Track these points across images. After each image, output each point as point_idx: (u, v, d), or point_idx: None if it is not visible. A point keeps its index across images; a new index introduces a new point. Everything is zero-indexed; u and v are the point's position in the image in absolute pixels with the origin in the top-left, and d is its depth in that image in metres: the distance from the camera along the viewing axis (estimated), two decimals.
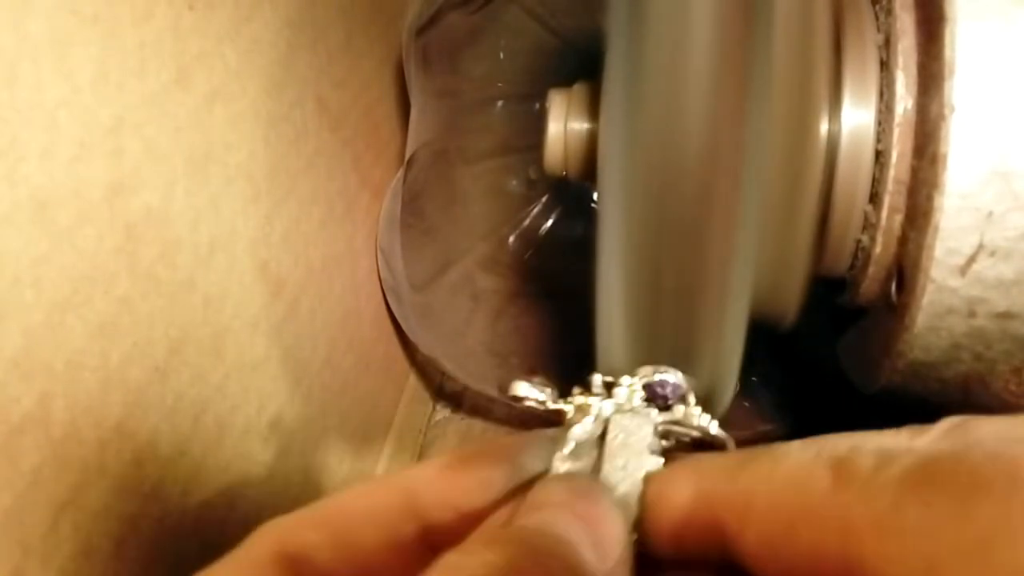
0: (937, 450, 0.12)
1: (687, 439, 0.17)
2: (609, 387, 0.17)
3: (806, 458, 0.13)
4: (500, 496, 0.15)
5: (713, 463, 0.14)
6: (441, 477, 0.16)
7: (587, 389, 0.17)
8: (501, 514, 0.15)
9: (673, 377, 0.16)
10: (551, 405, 0.17)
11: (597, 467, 0.16)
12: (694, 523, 0.14)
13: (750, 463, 0.14)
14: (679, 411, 0.16)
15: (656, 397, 0.17)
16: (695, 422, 0.16)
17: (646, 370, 0.17)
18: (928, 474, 0.11)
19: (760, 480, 0.13)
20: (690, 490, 0.14)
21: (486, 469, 0.16)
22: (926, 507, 0.11)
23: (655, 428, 0.16)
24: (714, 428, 0.16)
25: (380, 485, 0.16)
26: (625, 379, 0.17)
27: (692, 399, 0.17)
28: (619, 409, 0.16)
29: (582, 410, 0.16)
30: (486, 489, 0.15)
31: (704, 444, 0.17)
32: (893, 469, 0.11)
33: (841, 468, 0.12)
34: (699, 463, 0.15)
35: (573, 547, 0.13)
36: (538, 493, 0.15)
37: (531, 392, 0.17)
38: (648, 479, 0.15)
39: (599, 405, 0.16)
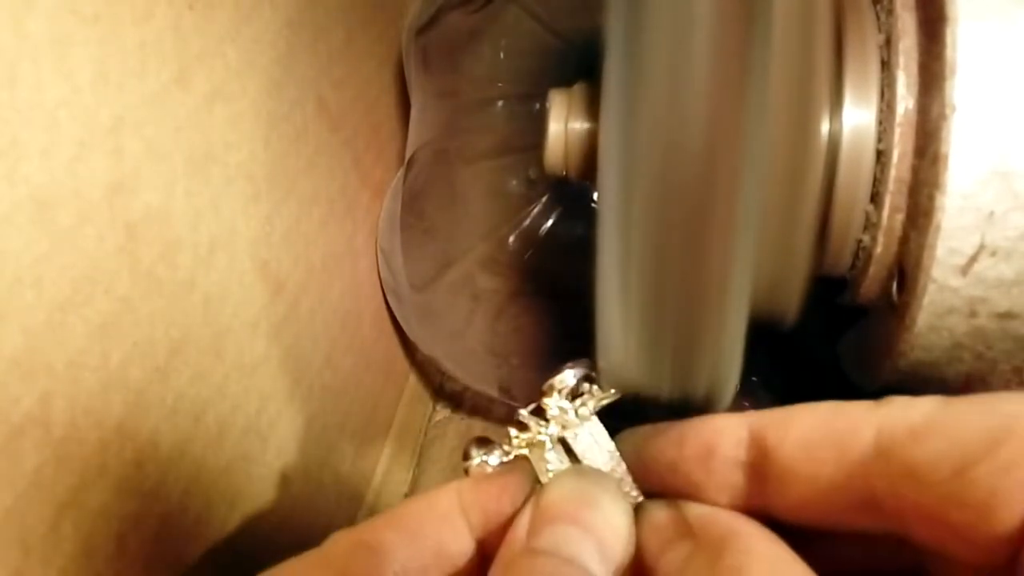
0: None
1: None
2: (538, 411, 0.19)
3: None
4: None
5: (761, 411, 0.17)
6: (475, 486, 0.18)
7: (520, 426, 0.19)
8: (519, 526, 0.17)
9: (575, 372, 0.19)
10: (507, 459, 0.19)
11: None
12: (749, 456, 0.16)
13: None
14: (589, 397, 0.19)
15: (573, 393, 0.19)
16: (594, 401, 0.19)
17: (556, 380, 0.19)
18: (953, 400, 0.14)
19: (804, 407, 0.16)
20: (744, 426, 0.17)
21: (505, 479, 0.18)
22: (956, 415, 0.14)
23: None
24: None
25: (436, 491, 0.18)
26: (548, 400, 0.19)
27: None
28: (565, 425, 0.19)
29: (536, 446, 0.19)
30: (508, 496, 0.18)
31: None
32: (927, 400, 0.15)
33: (879, 401, 0.15)
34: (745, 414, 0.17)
35: (583, 570, 0.15)
36: (549, 498, 0.17)
37: (485, 460, 0.19)
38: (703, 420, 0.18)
39: (545, 435, 0.19)
